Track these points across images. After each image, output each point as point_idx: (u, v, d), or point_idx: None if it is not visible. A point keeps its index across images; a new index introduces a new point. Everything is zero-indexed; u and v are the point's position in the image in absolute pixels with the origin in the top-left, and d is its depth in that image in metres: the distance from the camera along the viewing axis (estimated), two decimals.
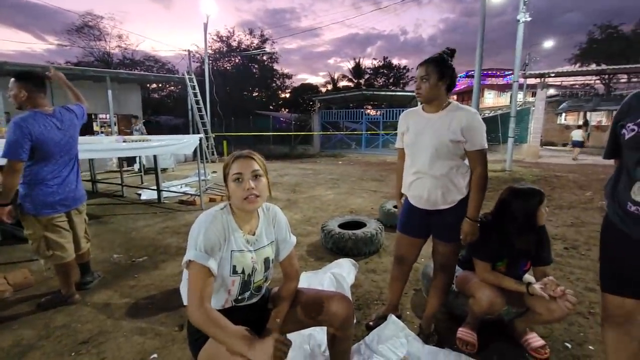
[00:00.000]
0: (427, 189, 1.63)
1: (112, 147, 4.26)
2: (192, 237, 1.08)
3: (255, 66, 21.75)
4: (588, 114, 18.29)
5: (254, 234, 1.21)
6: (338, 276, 2.21)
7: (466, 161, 1.63)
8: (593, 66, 19.32)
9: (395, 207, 3.81)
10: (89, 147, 3.79)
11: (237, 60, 20.87)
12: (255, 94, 22.91)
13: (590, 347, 1.75)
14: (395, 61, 30.67)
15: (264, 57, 21.84)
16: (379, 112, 15.96)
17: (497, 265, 1.71)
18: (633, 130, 1.10)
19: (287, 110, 25.18)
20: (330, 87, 28.23)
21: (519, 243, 1.63)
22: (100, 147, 4.09)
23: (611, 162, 1.29)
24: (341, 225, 3.23)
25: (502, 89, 32.29)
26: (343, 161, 11.86)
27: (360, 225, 3.23)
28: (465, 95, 30.01)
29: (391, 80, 27.23)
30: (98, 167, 7.23)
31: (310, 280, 2.22)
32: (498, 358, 1.67)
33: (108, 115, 10.37)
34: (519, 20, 8.64)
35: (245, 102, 19.75)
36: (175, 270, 2.70)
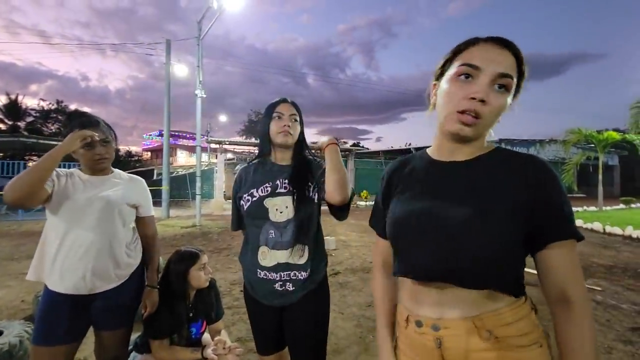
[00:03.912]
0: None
1: None
2: None
3: None
4: None
5: None
6: None
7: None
8: (253, 139, 25.91)
9: None
10: None
11: None
12: None
13: None
14: (74, 107, 25.87)
15: None
16: None
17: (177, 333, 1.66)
18: (249, 200, 1.28)
19: None
20: None
21: (180, 308, 1.66)
22: None
23: None
24: None
25: (192, 150, 35.61)
26: None
27: None
28: (158, 153, 30.21)
29: (64, 129, 22.55)
30: None
31: None
32: None
33: None
34: (196, 95, 10.06)
35: None
36: None
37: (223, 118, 32.35)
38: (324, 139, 1.25)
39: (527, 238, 0.67)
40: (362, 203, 16.16)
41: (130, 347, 1.65)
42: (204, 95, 10.19)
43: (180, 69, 11.87)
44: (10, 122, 21.40)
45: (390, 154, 21.00)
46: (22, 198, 1.22)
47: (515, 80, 0.68)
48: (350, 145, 29.11)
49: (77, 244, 1.36)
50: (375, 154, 22.07)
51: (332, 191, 1.14)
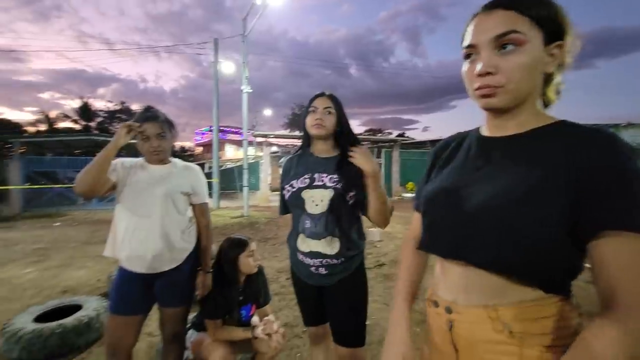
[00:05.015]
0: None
1: None
2: None
3: None
4: None
5: None
6: None
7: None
8: (297, 132, 26.34)
9: None
10: None
11: None
12: None
13: None
14: (135, 107, 28.36)
15: None
16: None
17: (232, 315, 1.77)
18: (289, 190, 1.38)
19: None
20: (43, 127, 21.94)
21: (232, 292, 1.75)
22: None
23: None
24: (41, 317, 2.35)
25: (240, 144, 37.12)
26: (62, 222, 9.16)
27: (74, 309, 2.49)
28: (208, 148, 31.97)
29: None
30: None
31: None
32: None
33: None
34: (243, 90, 10.42)
35: None
36: None
37: (267, 112, 33.40)
38: (367, 167, 1.20)
39: (578, 226, 0.56)
40: (408, 195, 15.72)
41: (188, 325, 1.78)
42: (250, 91, 10.51)
43: (227, 67, 12.34)
44: (83, 123, 24.01)
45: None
46: (88, 189, 1.39)
47: (529, 29, 0.60)
48: (396, 136, 28.40)
49: (139, 228, 1.49)
50: (422, 144, 21.23)
51: (376, 220, 1.30)
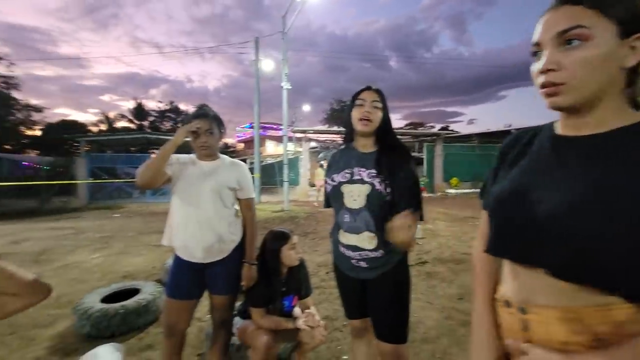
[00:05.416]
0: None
1: None
2: None
3: None
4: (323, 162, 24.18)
5: None
6: None
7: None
8: (335, 127, 26.17)
9: None
10: None
11: None
12: None
13: (345, 357, 2.14)
14: (182, 106, 30.18)
15: None
16: None
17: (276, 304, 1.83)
18: (330, 184, 1.41)
19: (37, 152, 19.28)
20: (104, 127, 24.08)
21: (275, 282, 1.80)
22: None
23: None
24: (106, 298, 2.61)
25: (279, 139, 37.89)
26: (121, 213, 10.05)
27: (133, 292, 2.73)
28: (250, 144, 33.07)
29: (179, 125, 26.36)
30: None
31: None
32: None
33: None
34: (282, 87, 10.63)
35: None
36: None
37: (306, 108, 33.78)
38: (399, 240, 1.10)
39: None
40: (452, 191, 15.09)
41: (234, 312, 1.87)
42: (289, 87, 10.69)
43: (267, 64, 12.61)
44: (137, 122, 26.00)
45: (486, 137, 18.83)
46: (148, 180, 1.52)
47: (597, 23, 0.56)
48: (439, 130, 27.31)
49: (191, 221, 1.59)
50: (467, 137, 20.21)
51: None
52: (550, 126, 0.71)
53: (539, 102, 0.70)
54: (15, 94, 17.57)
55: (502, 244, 0.69)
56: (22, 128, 19.42)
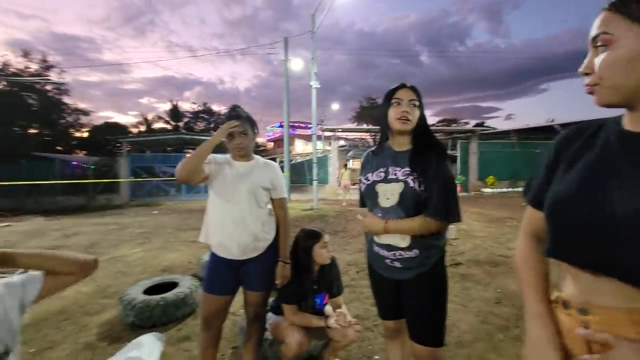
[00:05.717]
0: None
1: None
2: None
3: (33, 96, 17.05)
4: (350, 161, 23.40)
5: None
6: None
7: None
8: (364, 125, 25.86)
9: None
10: None
11: None
12: (32, 131, 17.76)
13: (377, 357, 2.12)
14: (215, 107, 31.25)
15: (47, 87, 17.54)
16: None
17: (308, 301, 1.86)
18: (364, 183, 1.41)
19: (84, 152, 20.75)
20: (143, 128, 25.46)
21: (307, 280, 1.82)
22: None
23: None
24: (148, 290, 2.76)
25: (308, 138, 38.16)
26: (159, 210, 10.59)
27: (172, 286, 2.87)
28: (279, 143, 33.50)
29: (212, 126, 27.31)
30: None
31: None
32: None
33: None
34: (311, 86, 10.68)
35: (12, 141, 14.92)
36: None
37: (335, 106, 33.79)
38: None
39: None
40: (488, 190, 14.47)
41: (267, 308, 1.91)
42: (319, 86, 10.72)
43: (296, 64, 12.68)
44: (173, 123, 27.24)
45: (525, 133, 17.79)
46: (186, 177, 1.58)
47: (622, 27, 0.59)
48: (473, 126, 26.23)
49: (228, 219, 1.64)
50: (505, 134, 19.24)
51: None
52: (617, 120, 0.67)
53: (586, 95, 0.68)
54: (65, 99, 19.01)
55: (566, 249, 0.66)
56: (72, 130, 20.95)
